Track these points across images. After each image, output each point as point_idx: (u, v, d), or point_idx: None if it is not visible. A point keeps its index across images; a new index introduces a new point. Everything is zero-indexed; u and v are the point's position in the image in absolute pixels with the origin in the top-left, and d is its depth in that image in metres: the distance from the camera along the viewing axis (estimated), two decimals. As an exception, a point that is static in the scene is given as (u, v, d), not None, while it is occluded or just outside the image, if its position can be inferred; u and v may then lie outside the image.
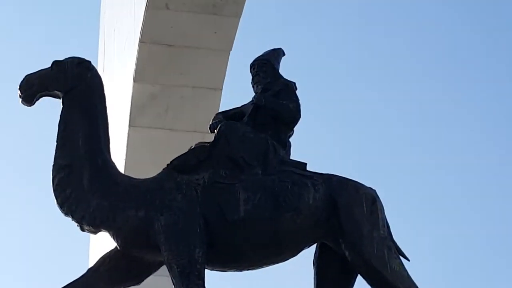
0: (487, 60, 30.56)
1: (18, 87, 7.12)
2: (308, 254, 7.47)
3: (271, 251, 6.98)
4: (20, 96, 7.19)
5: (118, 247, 6.88)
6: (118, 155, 10.83)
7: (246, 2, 12.68)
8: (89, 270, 7.30)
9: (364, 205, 7.03)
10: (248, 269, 7.27)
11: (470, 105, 29.68)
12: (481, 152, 29.07)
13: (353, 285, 7.14)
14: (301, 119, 7.64)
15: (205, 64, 12.75)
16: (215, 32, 12.55)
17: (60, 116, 7.21)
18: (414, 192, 27.98)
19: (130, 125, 11.92)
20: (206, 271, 6.85)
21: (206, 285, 6.76)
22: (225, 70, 12.70)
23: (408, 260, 7.03)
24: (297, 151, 8.02)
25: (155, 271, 7.32)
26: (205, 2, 12.41)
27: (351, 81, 28.78)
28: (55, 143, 7.08)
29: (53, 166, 7.00)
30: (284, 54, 8.11)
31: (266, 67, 7.81)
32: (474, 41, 29.57)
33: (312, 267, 7.14)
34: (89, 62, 7.49)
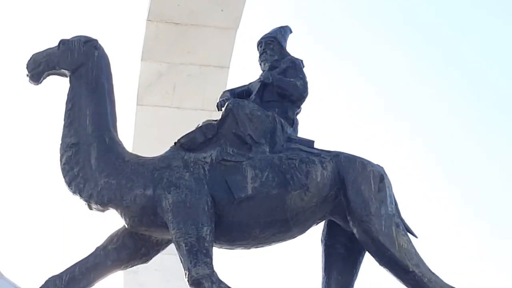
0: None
1: (25, 65, 7.14)
2: (316, 232, 7.51)
3: (278, 228, 6.99)
4: (27, 75, 7.21)
5: (126, 226, 6.93)
6: (126, 133, 10.50)
7: (252, -20, 12.67)
8: (97, 248, 7.26)
9: (372, 182, 7.04)
10: (256, 247, 7.29)
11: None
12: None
13: (361, 262, 7.18)
14: (308, 96, 7.62)
15: (212, 42, 12.80)
16: (222, 10, 12.47)
17: (67, 94, 7.23)
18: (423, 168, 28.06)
19: (137, 104, 11.92)
20: (214, 248, 6.84)
21: (214, 263, 6.77)
22: (232, 48, 12.72)
23: (416, 237, 7.04)
24: (305, 128, 8.01)
25: (163, 249, 7.38)
26: (212, -20, 12.50)
27: (361, 55, 28.58)
28: (62, 122, 7.10)
29: (61, 144, 7.02)
30: (291, 32, 8.11)
31: (273, 45, 7.79)
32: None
33: (320, 244, 7.20)
34: (96, 40, 7.46)
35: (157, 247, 7.32)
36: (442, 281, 7.00)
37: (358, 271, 7.32)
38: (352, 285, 7.25)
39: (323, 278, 7.28)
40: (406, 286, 6.90)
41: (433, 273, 6.97)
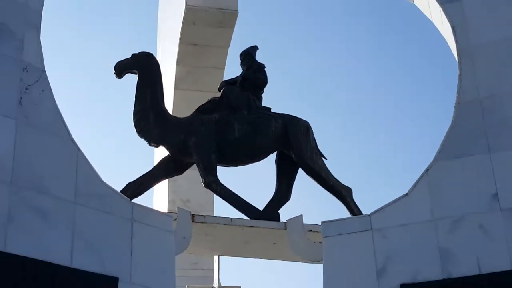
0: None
1: (113, 67, 9.74)
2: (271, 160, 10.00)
3: (253, 155, 9.76)
4: (114, 73, 9.76)
5: (170, 154, 9.65)
6: (168, 105, 11.45)
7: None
8: (155, 167, 9.80)
9: (302, 130, 9.65)
10: (240, 165, 10.02)
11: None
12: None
13: (296, 173, 9.76)
14: (268, 84, 10.41)
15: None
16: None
17: (137, 83, 9.80)
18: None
19: (175, 88, 13.04)
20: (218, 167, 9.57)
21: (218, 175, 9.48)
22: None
23: (326, 159, 9.79)
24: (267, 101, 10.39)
25: (188, 168, 9.94)
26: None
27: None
28: (134, 99, 9.78)
29: (133, 111, 9.68)
30: (257, 48, 10.61)
31: (248, 56, 10.43)
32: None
33: (274, 164, 9.91)
34: (152, 54, 10.03)
35: (186, 166, 9.82)
36: (340, 182, 9.55)
37: (294, 179, 9.80)
38: (291, 186, 9.76)
39: (276, 183, 9.77)
40: (323, 186, 9.64)
41: (335, 178, 9.59)
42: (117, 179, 13.19)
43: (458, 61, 8.89)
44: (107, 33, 28.87)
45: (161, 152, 10.45)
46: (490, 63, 8.79)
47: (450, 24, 9.09)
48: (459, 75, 8.77)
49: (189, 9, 11.82)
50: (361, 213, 9.08)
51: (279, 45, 28.54)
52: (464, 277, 7.58)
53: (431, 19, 10.08)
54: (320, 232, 8.49)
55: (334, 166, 9.80)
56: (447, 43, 9.65)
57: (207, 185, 9.42)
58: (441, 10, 9.24)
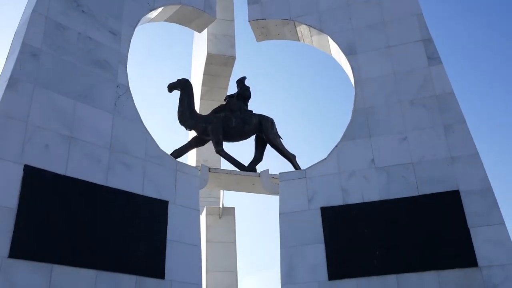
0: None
1: (167, 86, 9.55)
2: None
3: (242, 136, 9.52)
4: (167, 90, 9.56)
5: (197, 135, 9.49)
6: (196, 108, 10.35)
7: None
8: (187, 142, 9.63)
9: (269, 123, 9.53)
10: (235, 141, 9.61)
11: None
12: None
13: (265, 147, 9.52)
14: (252, 97, 10.12)
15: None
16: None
17: (179, 95, 9.52)
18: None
19: (200, 99, 12.03)
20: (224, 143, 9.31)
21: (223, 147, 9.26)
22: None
23: (282, 139, 9.54)
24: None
25: (207, 143, 9.60)
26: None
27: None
28: (178, 104, 9.45)
29: (178, 110, 9.29)
30: (246, 78, 10.30)
31: (241, 82, 10.29)
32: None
33: (254, 141, 9.68)
34: (188, 79, 9.72)
35: (205, 141, 9.58)
36: (289, 152, 9.28)
37: (264, 149, 9.57)
38: (262, 153, 9.53)
39: (254, 151, 9.55)
40: (280, 154, 9.24)
41: (287, 149, 9.35)
42: (168, 147, 13.05)
43: (354, 87, 8.85)
44: (166, 65, 28.60)
45: (192, 133, 10.35)
46: (370, 88, 8.76)
47: (350, 66, 9.03)
48: (355, 94, 8.74)
49: (209, 55, 11.38)
50: (300, 168, 8.94)
51: (260, 77, 27.83)
52: (354, 204, 7.75)
53: (340, 63, 9.88)
54: (278, 178, 8.51)
55: (286, 142, 9.71)
56: (348, 77, 9.47)
57: (217, 151, 9.34)
58: (346, 59, 9.19)
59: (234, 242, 10.71)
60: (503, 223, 6.88)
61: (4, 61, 6.95)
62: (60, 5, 7.37)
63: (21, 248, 5.52)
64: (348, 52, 9.01)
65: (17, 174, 5.85)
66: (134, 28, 8.36)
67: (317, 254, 7.35)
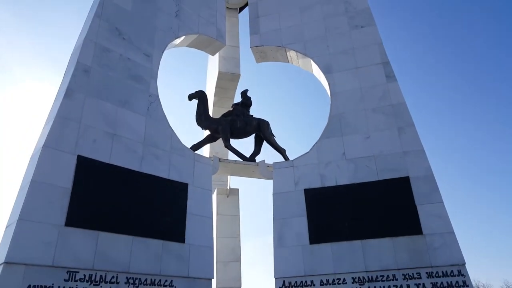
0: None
1: (187, 96, 9.11)
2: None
3: (245, 135, 9.15)
4: (188, 98, 9.18)
5: (210, 133, 9.15)
6: (210, 113, 10.70)
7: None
8: (203, 138, 9.07)
9: (266, 124, 9.25)
10: (239, 139, 9.22)
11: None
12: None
13: (262, 143, 9.15)
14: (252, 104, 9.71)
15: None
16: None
17: (197, 103, 9.21)
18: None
19: (213, 106, 11.40)
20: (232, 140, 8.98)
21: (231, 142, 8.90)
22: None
23: (275, 136, 9.17)
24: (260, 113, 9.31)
25: (218, 139, 9.13)
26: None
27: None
28: (196, 109, 9.08)
29: (196, 114, 9.04)
30: (248, 90, 9.81)
31: (244, 93, 9.89)
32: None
33: (254, 138, 9.32)
34: (204, 91, 9.31)
35: (217, 139, 9.17)
36: (281, 146, 8.91)
37: (262, 145, 9.17)
38: (260, 147, 9.07)
39: (254, 146, 9.18)
40: (274, 148, 8.85)
41: (279, 144, 8.95)
42: (188, 142, 12.74)
43: (330, 98, 8.69)
44: (187, 80, 28.23)
45: (206, 132, 10.01)
46: (342, 99, 8.60)
47: (327, 82, 8.92)
48: (331, 103, 8.59)
49: (220, 72, 10.90)
50: (289, 159, 8.56)
51: (259, 89, 27.16)
52: (329, 186, 7.55)
53: (319, 80, 9.63)
54: (272, 167, 8.30)
55: (278, 139, 9.43)
56: (326, 90, 9.20)
57: (226, 146, 9.01)
58: (324, 77, 9.01)
59: (237, 216, 10.52)
60: (441, 202, 6.82)
61: (62, 76, 6.82)
62: (106, 33, 7.27)
63: (74, 219, 5.51)
64: (326, 71, 8.91)
65: (72, 162, 5.84)
66: (163, 52, 8.16)
67: (301, 224, 7.25)
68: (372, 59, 8.63)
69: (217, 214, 10.33)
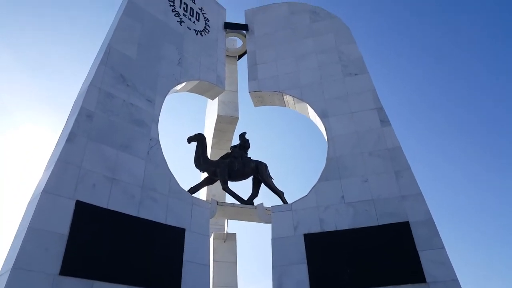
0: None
1: (187, 139, 9.07)
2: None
3: (243, 177, 9.03)
4: (187, 141, 9.13)
5: (208, 176, 9.01)
6: (209, 155, 9.94)
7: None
8: (201, 181, 8.99)
9: (264, 167, 9.14)
10: (237, 181, 8.99)
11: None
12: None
13: (260, 185, 9.02)
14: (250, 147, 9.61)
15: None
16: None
17: (196, 146, 9.15)
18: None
19: (211, 147, 11.23)
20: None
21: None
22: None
23: (273, 179, 9.07)
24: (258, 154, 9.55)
25: (215, 182, 9.02)
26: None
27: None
28: (195, 152, 8.99)
29: (194, 157, 8.99)
30: (246, 133, 9.72)
31: (242, 136, 9.83)
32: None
33: (252, 180, 9.20)
34: (203, 134, 9.30)
35: (215, 181, 9.05)
36: (279, 189, 8.78)
37: (259, 187, 9.07)
38: (258, 190, 9.02)
39: (252, 189, 9.06)
40: (272, 191, 8.76)
41: (277, 187, 8.82)
42: (186, 184, 12.78)
43: (327, 141, 8.78)
44: (186, 123, 28.00)
45: (204, 174, 9.88)
46: (339, 142, 8.71)
47: (324, 126, 9.07)
48: (328, 147, 8.69)
49: (218, 116, 10.93)
50: (287, 203, 8.51)
51: (257, 132, 27.23)
52: (329, 231, 7.49)
53: (316, 124, 9.78)
54: (270, 210, 8.22)
55: (276, 182, 9.34)
56: (322, 134, 9.37)
57: (223, 189, 8.91)
58: (321, 121, 9.18)
59: (235, 262, 10.16)
60: (443, 247, 6.74)
61: (66, 120, 6.96)
62: (110, 80, 7.42)
63: (69, 267, 5.36)
64: (322, 116, 9.07)
65: (70, 208, 5.76)
66: (165, 97, 8.29)
67: (301, 272, 7.07)
68: (366, 105, 8.83)
69: (214, 261, 10.05)
